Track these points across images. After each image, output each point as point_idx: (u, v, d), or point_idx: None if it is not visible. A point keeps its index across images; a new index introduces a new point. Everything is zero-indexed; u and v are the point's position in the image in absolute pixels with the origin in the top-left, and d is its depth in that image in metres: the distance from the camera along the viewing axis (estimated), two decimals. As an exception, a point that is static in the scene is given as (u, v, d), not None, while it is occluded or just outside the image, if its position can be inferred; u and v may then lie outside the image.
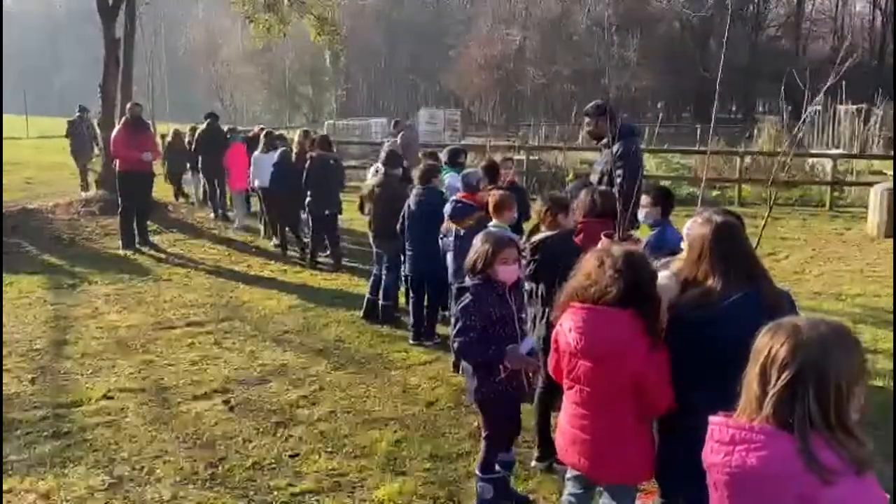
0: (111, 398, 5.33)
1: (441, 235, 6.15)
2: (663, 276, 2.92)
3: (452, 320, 3.65)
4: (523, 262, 4.05)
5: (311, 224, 9.63)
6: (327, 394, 5.43)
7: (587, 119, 6.28)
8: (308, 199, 9.26)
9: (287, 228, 10.29)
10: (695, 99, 39.34)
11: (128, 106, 10.98)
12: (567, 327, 2.87)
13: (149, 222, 11.41)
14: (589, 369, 2.84)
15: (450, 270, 6.04)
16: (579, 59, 38.72)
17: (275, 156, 10.07)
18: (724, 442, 1.76)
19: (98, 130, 14.81)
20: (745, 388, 1.77)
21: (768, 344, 1.74)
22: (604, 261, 2.84)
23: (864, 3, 44.18)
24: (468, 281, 3.74)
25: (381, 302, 7.24)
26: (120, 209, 10.37)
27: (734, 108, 44.74)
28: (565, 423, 3.02)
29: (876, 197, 11.80)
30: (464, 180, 6.30)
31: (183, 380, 5.69)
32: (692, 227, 2.87)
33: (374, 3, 39.11)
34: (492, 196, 5.52)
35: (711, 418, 1.85)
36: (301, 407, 5.19)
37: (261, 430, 4.82)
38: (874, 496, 1.64)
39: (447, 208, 6.11)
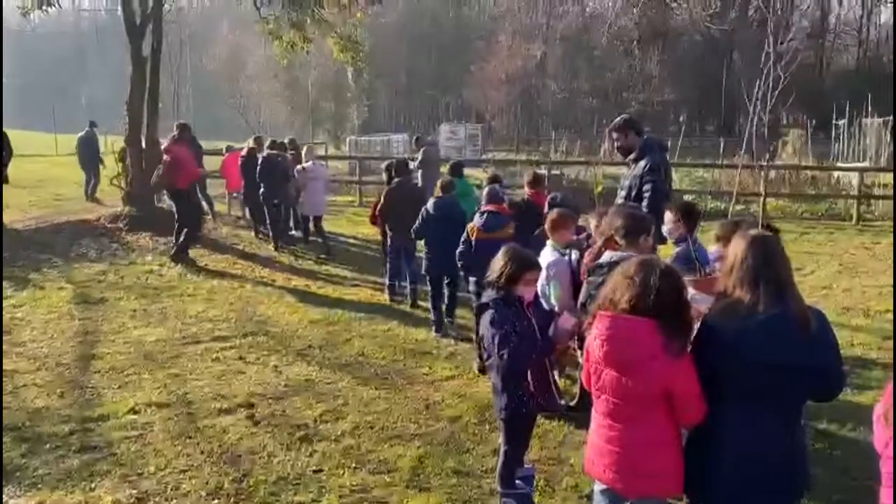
0: (137, 412, 5.39)
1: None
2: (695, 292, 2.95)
3: (486, 334, 3.63)
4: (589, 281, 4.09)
5: (266, 211, 11.58)
6: (351, 409, 5.45)
7: (615, 134, 6.39)
8: (262, 190, 11.30)
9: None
10: (718, 112, 39.08)
11: (179, 124, 11.76)
12: (594, 335, 2.89)
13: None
14: (614, 378, 2.84)
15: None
16: (601, 73, 38.67)
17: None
18: None
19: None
20: None
21: None
22: (627, 271, 2.87)
23: (889, 16, 43.70)
24: (488, 295, 3.76)
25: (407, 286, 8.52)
26: (187, 222, 10.62)
27: (758, 121, 44.39)
28: (594, 434, 3.02)
29: (904, 210, 11.64)
30: (490, 193, 6.61)
31: (208, 394, 5.75)
32: (733, 242, 2.89)
33: (395, 20, 39.43)
34: (550, 214, 5.52)
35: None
36: (325, 422, 5.22)
37: (285, 444, 4.85)
38: None
39: (477, 220, 6.39)
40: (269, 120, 39.80)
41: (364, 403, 5.55)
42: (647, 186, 5.98)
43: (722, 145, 24.92)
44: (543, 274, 4.48)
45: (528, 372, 3.59)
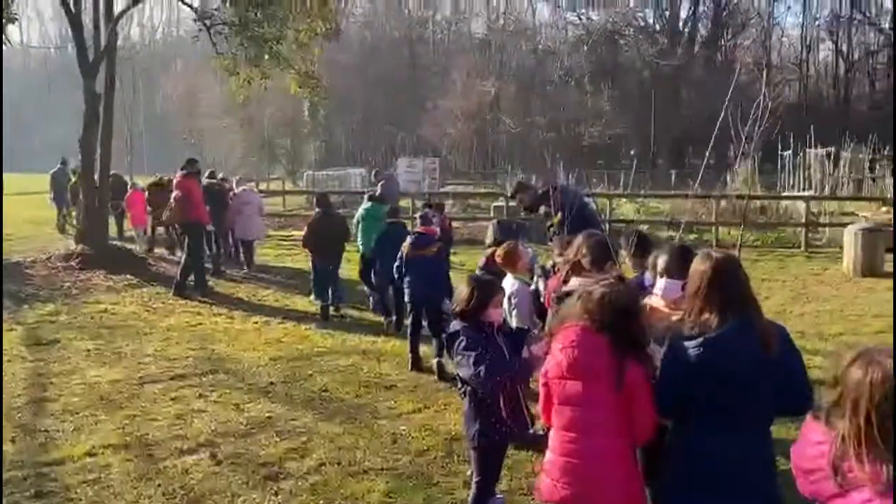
0: (95, 455, 5.21)
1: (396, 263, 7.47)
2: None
3: (458, 360, 3.67)
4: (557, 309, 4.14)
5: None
6: (316, 445, 5.36)
7: (516, 199, 7.97)
8: None
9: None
10: (665, 145, 40.07)
11: (187, 160, 11.73)
12: (557, 348, 3.01)
13: (129, 276, 11.61)
14: (577, 389, 2.94)
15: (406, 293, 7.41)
16: (554, 108, 39.42)
17: None
18: (817, 442, 1.98)
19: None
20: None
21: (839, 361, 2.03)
22: (583, 294, 3.06)
23: (827, 52, 45.65)
24: (454, 325, 3.79)
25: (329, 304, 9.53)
26: (195, 257, 10.86)
27: (705, 154, 45.67)
28: (554, 453, 3.05)
29: (851, 237, 12.05)
30: (421, 217, 7.83)
31: (168, 434, 5.60)
32: (694, 263, 2.96)
33: (350, 59, 39.68)
34: (499, 252, 5.81)
35: (808, 417, 2.08)
36: (290, 459, 5.12)
37: (249, 483, 4.74)
38: None
39: (410, 239, 7.49)
40: (225, 156, 39.45)
41: (329, 439, 5.47)
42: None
43: (673, 177, 25.56)
44: (506, 303, 4.60)
45: (501, 399, 3.60)
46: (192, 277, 10.84)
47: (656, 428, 2.98)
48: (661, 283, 3.75)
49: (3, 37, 11.74)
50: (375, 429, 5.68)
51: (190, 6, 13.44)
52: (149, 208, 14.19)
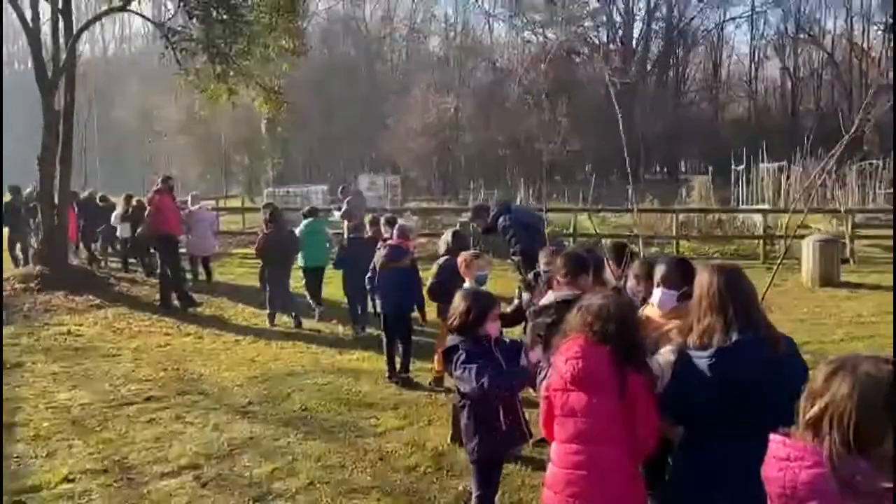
0: (73, 481, 5.05)
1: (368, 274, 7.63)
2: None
3: (457, 374, 3.67)
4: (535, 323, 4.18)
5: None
6: (301, 465, 5.29)
7: (475, 225, 9.07)
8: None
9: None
10: (621, 160, 40.77)
11: (162, 177, 12.43)
12: (562, 360, 3.03)
13: (91, 296, 11.34)
14: (582, 400, 2.96)
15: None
16: (512, 124, 39.84)
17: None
18: (781, 458, 1.88)
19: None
20: (799, 409, 1.90)
21: (814, 373, 1.90)
22: (582, 307, 3.11)
23: (775, 69, 47.12)
24: (452, 339, 3.79)
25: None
26: (168, 271, 11.10)
27: (658, 168, 46.65)
28: (556, 465, 3.07)
29: (808, 249, 12.41)
30: (399, 229, 7.80)
31: (148, 458, 5.46)
32: (698, 275, 3.02)
33: (308, 75, 39.59)
34: (460, 259, 6.06)
35: (772, 436, 1.96)
36: (277, 480, 5.04)
37: (238, 505, 4.66)
38: None
39: (384, 252, 7.50)
40: (180, 175, 38.87)
41: (315, 458, 5.40)
42: (511, 241, 8.32)
43: (630, 192, 26.00)
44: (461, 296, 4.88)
45: (501, 411, 3.62)
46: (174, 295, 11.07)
47: (659, 437, 3.03)
48: (657, 293, 3.82)
49: None
50: (361, 446, 5.63)
51: (154, 23, 13.28)
52: (81, 222, 14.76)
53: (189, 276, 12.80)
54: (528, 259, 7.26)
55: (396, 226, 8.11)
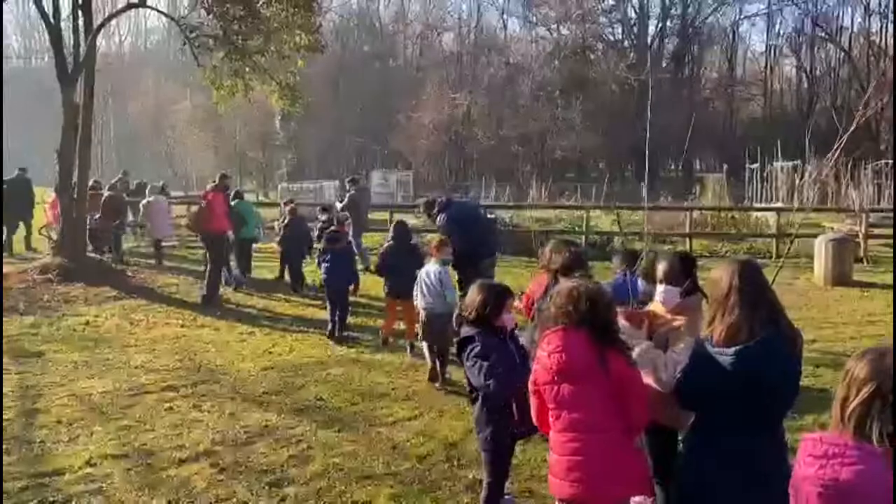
0: (94, 465, 5.20)
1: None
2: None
3: (469, 365, 3.75)
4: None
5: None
6: (317, 452, 5.40)
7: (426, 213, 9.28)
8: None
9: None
10: (635, 158, 40.66)
11: (219, 175, 12.42)
12: (546, 353, 3.11)
13: (108, 288, 11.54)
14: (571, 390, 3.05)
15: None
16: (525, 121, 39.82)
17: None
18: (818, 455, 1.86)
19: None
20: (834, 405, 1.90)
21: (852, 365, 1.89)
22: (552, 296, 3.24)
23: (791, 67, 46.83)
24: (467, 330, 3.88)
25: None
26: (217, 266, 11.19)
27: (672, 167, 46.48)
28: (556, 454, 3.16)
29: (821, 248, 12.40)
30: (338, 217, 10.28)
31: (166, 444, 5.60)
32: (716, 270, 3.04)
33: (322, 70, 39.72)
34: (433, 241, 7.56)
35: (805, 434, 1.95)
36: (292, 466, 5.16)
37: (255, 491, 4.77)
38: None
39: (325, 236, 9.20)
40: (196, 169, 39.16)
41: (329, 447, 5.52)
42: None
43: (644, 189, 25.97)
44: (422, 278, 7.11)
45: (514, 404, 3.69)
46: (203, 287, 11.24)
47: (649, 412, 3.11)
48: (660, 289, 3.90)
49: None
50: (374, 436, 5.74)
51: (172, 18, 13.42)
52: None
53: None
54: (461, 258, 7.72)
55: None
